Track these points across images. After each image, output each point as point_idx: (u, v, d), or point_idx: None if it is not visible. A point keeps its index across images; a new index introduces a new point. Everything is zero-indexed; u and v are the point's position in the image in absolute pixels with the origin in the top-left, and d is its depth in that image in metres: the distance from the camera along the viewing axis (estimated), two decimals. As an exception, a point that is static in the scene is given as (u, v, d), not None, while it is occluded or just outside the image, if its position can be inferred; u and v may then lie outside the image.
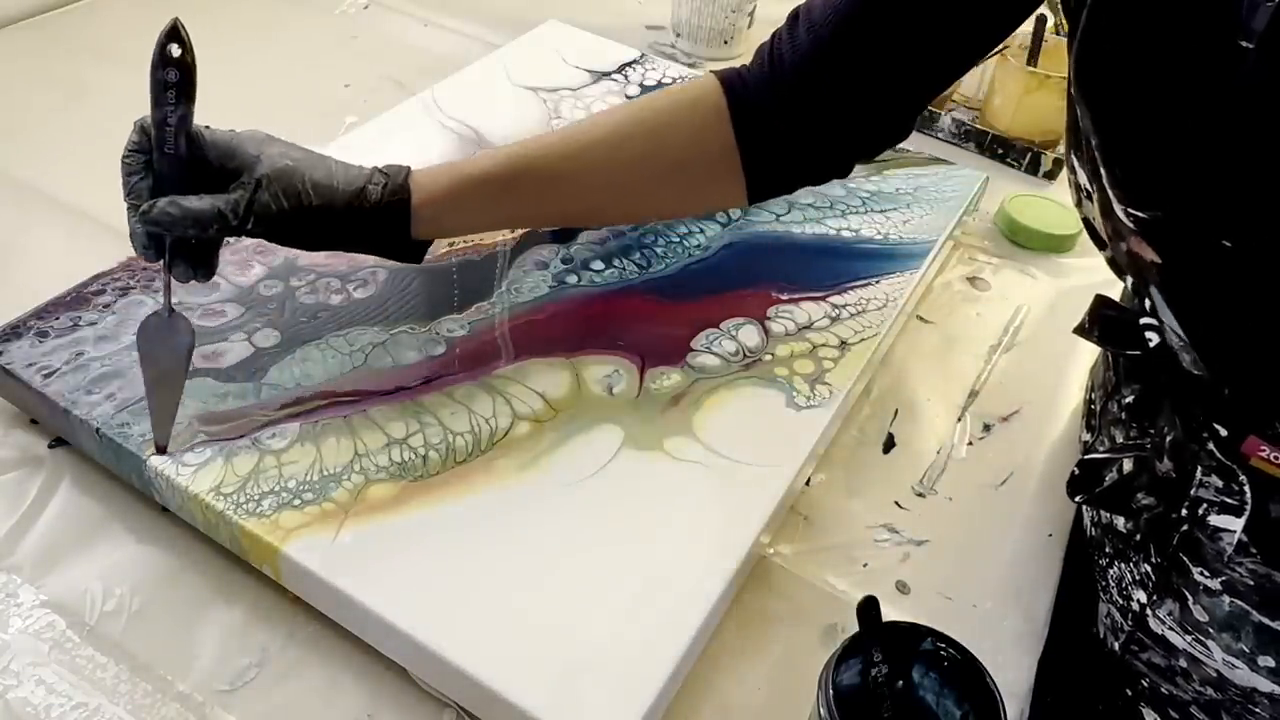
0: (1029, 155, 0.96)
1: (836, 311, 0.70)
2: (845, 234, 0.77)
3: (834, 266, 0.74)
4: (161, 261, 0.54)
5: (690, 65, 1.04)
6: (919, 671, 0.47)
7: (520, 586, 0.52)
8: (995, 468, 0.67)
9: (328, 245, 0.57)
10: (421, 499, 0.55)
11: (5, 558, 0.55)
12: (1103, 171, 0.46)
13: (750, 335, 0.67)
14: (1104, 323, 0.53)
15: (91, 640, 0.52)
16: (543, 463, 0.58)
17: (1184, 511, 0.49)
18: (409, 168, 0.58)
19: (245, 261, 0.68)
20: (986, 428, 0.70)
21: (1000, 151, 0.98)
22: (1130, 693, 0.55)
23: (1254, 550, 0.48)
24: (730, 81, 0.60)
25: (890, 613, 0.47)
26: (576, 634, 0.50)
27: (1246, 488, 0.47)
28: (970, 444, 0.69)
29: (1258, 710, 0.51)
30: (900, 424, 0.70)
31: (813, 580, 0.59)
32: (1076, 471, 0.55)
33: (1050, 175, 0.97)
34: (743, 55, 1.11)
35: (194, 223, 0.52)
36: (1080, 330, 0.54)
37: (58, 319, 0.62)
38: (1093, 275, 0.85)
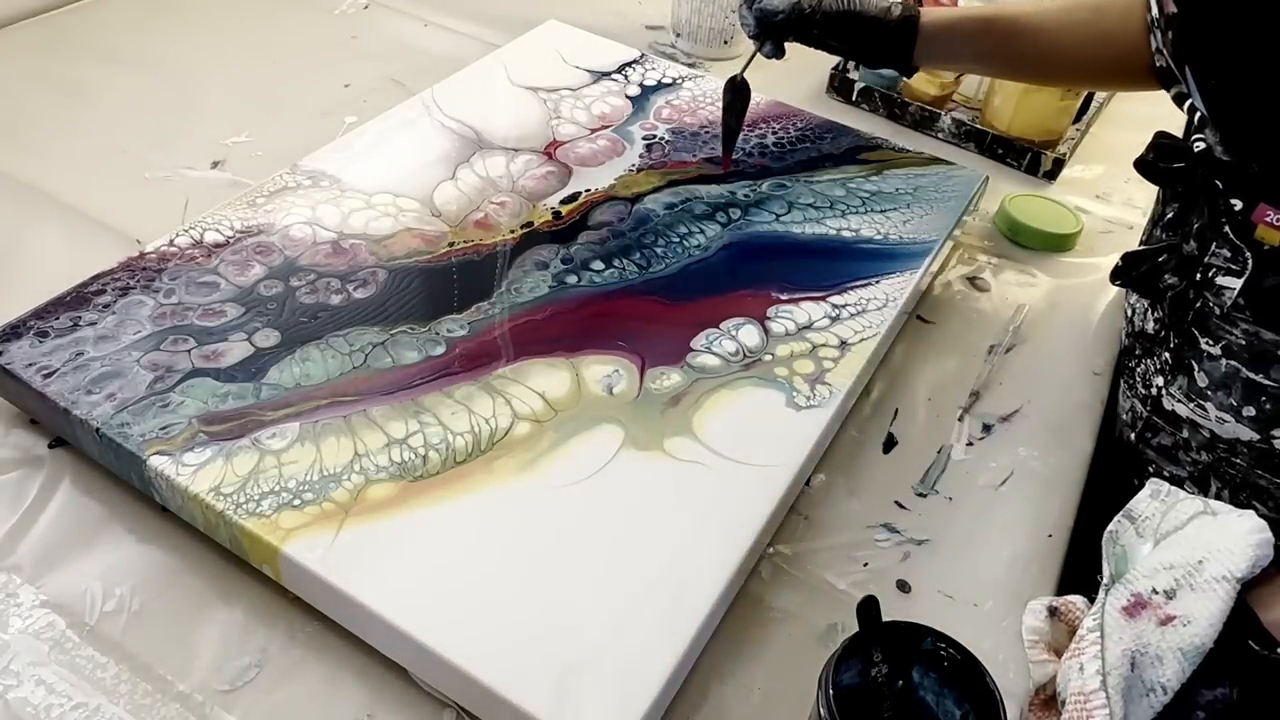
0: (1029, 155, 0.96)
1: (836, 311, 0.70)
2: (845, 234, 0.77)
3: (834, 266, 0.74)
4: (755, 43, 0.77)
5: (690, 65, 1.04)
6: (919, 671, 0.47)
7: (520, 586, 0.52)
8: (995, 468, 0.67)
9: (852, 45, 0.75)
10: (421, 499, 0.55)
11: (5, 558, 0.55)
12: None
13: (750, 335, 0.67)
14: (1159, 149, 0.67)
15: (91, 640, 0.52)
16: (543, 463, 0.58)
17: (1198, 278, 0.65)
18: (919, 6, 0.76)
19: (245, 261, 0.68)
20: (986, 428, 0.70)
21: (1000, 151, 0.98)
22: (1137, 481, 0.66)
23: (1247, 311, 0.64)
24: None
25: (890, 613, 0.47)
26: (576, 634, 0.50)
27: (1249, 255, 0.62)
28: (970, 444, 0.69)
29: (1238, 462, 0.68)
30: (900, 424, 0.70)
31: (813, 580, 0.59)
32: (1120, 263, 0.71)
33: (1050, 175, 0.97)
34: (743, 55, 1.11)
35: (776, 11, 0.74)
36: (1139, 163, 0.68)
37: (58, 319, 0.62)
38: (1093, 275, 0.85)
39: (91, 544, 0.56)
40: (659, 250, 0.74)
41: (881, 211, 0.80)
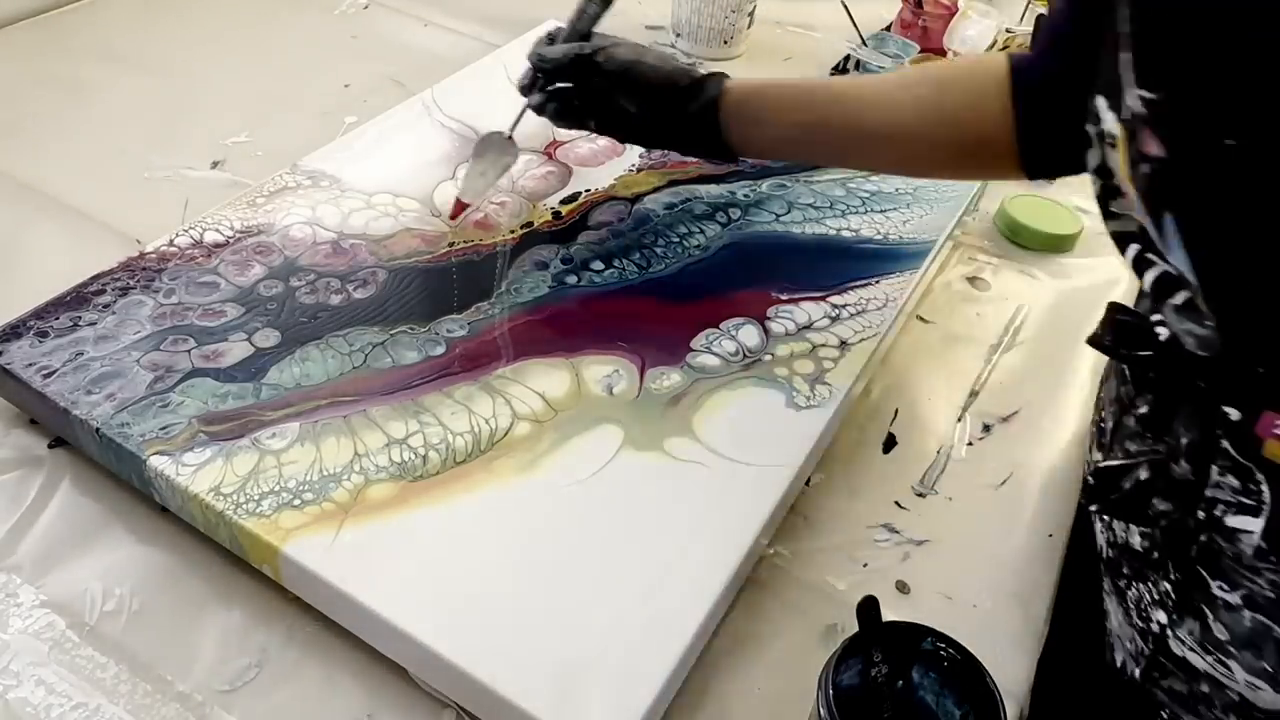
0: (1029, 155, 0.96)
1: (836, 311, 0.70)
2: (845, 234, 0.77)
3: (834, 266, 0.74)
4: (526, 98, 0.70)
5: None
6: (919, 671, 0.47)
7: (520, 587, 0.52)
8: (995, 468, 0.67)
9: (645, 110, 0.66)
10: (421, 499, 0.55)
11: (5, 558, 0.55)
12: (1125, 57, 0.42)
13: (750, 335, 0.67)
14: (1117, 328, 0.51)
15: (91, 640, 0.52)
16: (542, 463, 0.58)
17: (1201, 514, 0.48)
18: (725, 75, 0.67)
19: (245, 261, 0.68)
20: (986, 428, 0.70)
21: (1000, 151, 0.97)
22: None
23: (1274, 558, 0.46)
24: (1017, 56, 0.59)
25: (890, 613, 0.47)
26: (576, 634, 0.50)
27: (1265, 486, 0.45)
28: (970, 444, 0.69)
29: None
30: (900, 424, 0.70)
31: (813, 580, 0.59)
32: (1092, 480, 0.53)
33: (1050, 175, 0.96)
34: (743, 55, 1.11)
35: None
36: (1093, 340, 0.52)
37: (58, 319, 0.62)
38: (1093, 275, 0.85)
39: (91, 544, 0.56)
40: (659, 250, 0.74)
41: (881, 211, 0.80)
